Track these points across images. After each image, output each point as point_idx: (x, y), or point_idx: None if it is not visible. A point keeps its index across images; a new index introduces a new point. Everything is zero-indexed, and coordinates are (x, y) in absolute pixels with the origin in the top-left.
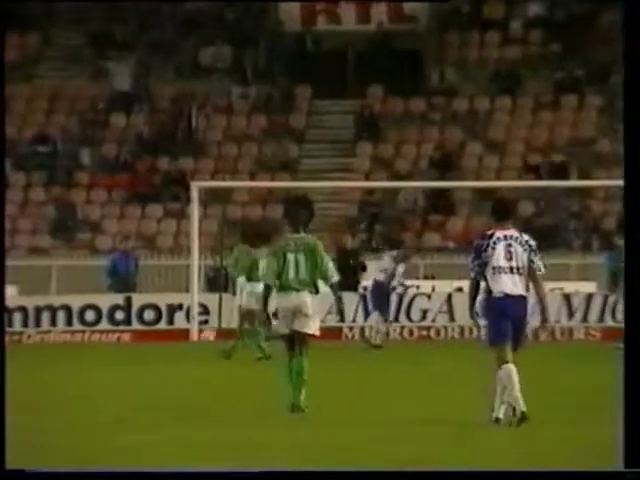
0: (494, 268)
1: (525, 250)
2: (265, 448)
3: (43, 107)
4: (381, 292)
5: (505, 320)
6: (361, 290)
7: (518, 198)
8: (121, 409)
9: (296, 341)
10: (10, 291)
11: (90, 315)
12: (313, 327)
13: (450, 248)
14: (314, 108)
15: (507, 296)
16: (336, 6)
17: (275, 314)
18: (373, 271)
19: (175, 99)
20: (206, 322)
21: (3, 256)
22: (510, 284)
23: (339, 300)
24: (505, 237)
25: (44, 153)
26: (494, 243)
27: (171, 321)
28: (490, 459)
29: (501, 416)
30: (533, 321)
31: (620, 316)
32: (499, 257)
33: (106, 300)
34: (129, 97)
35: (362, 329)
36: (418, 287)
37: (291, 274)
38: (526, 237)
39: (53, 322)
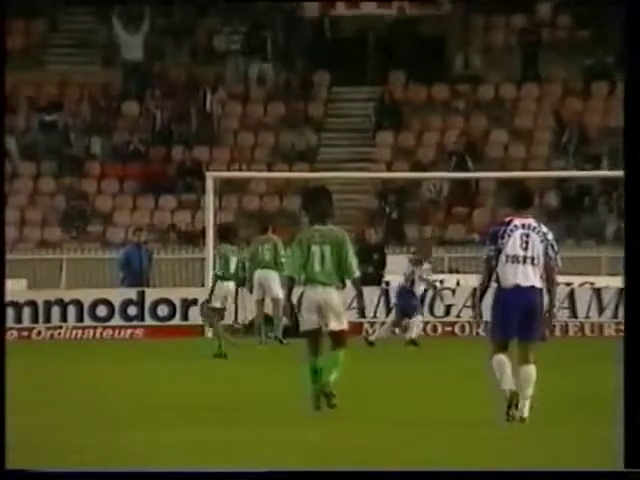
0: (507, 256)
1: (542, 242)
2: (281, 447)
3: (53, 94)
4: (402, 296)
5: (511, 316)
6: (384, 285)
7: (545, 188)
8: (133, 408)
9: (332, 340)
10: (19, 285)
11: (102, 310)
12: (340, 323)
13: (475, 241)
14: (333, 95)
15: (517, 287)
16: None
17: (297, 308)
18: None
19: (189, 85)
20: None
21: (3, 255)
22: (522, 274)
23: (360, 296)
24: (523, 226)
25: (53, 132)
26: (511, 230)
27: (186, 316)
28: (494, 458)
29: (525, 415)
30: (561, 316)
31: None
32: (515, 245)
33: (118, 295)
34: (141, 81)
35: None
36: (442, 281)
37: (317, 267)
38: (545, 229)
39: (63, 318)
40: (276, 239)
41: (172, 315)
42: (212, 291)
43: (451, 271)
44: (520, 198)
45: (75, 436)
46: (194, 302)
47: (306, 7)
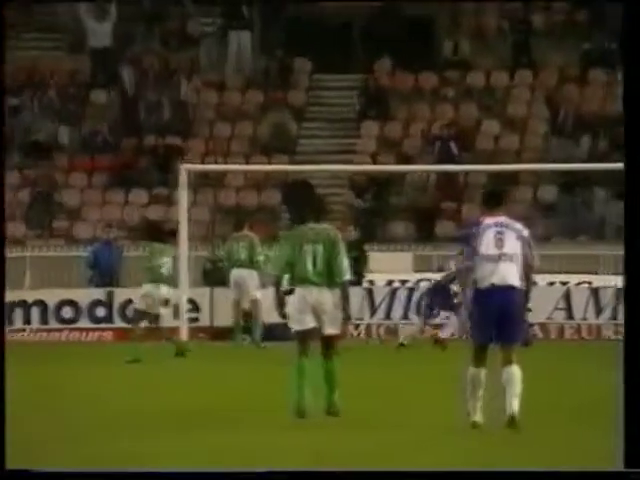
0: (482, 256)
1: (518, 239)
2: (272, 454)
3: (19, 79)
4: (437, 293)
5: (492, 317)
6: (366, 284)
7: (539, 182)
8: (101, 414)
9: (323, 344)
10: None
11: (68, 312)
12: (334, 327)
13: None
14: (315, 83)
15: (494, 287)
16: None
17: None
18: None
19: (162, 72)
20: (196, 320)
21: (3, 255)
22: (499, 274)
23: (346, 299)
24: (495, 224)
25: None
26: (483, 230)
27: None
28: (490, 460)
29: (516, 412)
30: (558, 317)
31: None
32: (488, 244)
33: (86, 295)
34: (111, 69)
35: (367, 327)
36: (430, 280)
37: (309, 267)
38: (519, 226)
39: (27, 320)
40: (252, 236)
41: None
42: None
43: (440, 270)
44: (491, 197)
45: (36, 444)
46: (167, 303)
47: None
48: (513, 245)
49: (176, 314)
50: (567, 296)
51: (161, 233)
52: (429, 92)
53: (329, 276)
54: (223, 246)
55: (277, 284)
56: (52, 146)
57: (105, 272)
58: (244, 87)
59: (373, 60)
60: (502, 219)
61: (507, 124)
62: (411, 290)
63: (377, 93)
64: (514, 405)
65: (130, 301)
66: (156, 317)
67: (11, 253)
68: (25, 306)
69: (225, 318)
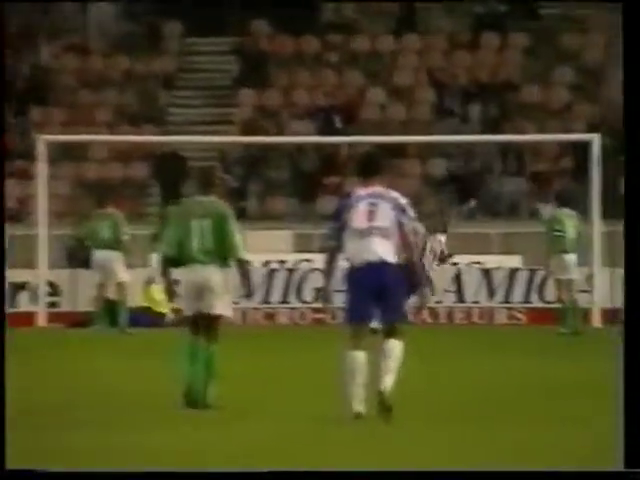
0: (354, 231)
1: (393, 209)
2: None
3: None
4: None
5: (365, 295)
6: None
7: (429, 155)
8: None
9: (201, 326)
10: None
11: None
12: (222, 307)
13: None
14: (186, 47)
15: (367, 264)
16: None
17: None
18: None
19: (19, 35)
20: (55, 304)
21: (3, 255)
22: (372, 249)
23: (246, 278)
24: (368, 195)
25: None
26: (355, 202)
27: (14, 303)
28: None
29: (388, 389)
30: (446, 300)
31: (550, 296)
32: (360, 217)
33: None
34: None
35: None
36: (312, 261)
37: (195, 244)
38: (394, 194)
39: None
40: (117, 214)
41: None
42: None
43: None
44: (365, 166)
45: None
46: (22, 287)
47: None
48: (387, 216)
49: (33, 298)
50: (457, 277)
51: None
52: (311, 57)
53: (219, 253)
54: (85, 225)
55: (165, 267)
56: None
57: None
58: (108, 52)
59: (249, 22)
60: (376, 189)
61: (393, 93)
62: (290, 271)
63: (255, 58)
64: (386, 381)
65: None
66: None
67: None
68: None
69: (88, 303)
